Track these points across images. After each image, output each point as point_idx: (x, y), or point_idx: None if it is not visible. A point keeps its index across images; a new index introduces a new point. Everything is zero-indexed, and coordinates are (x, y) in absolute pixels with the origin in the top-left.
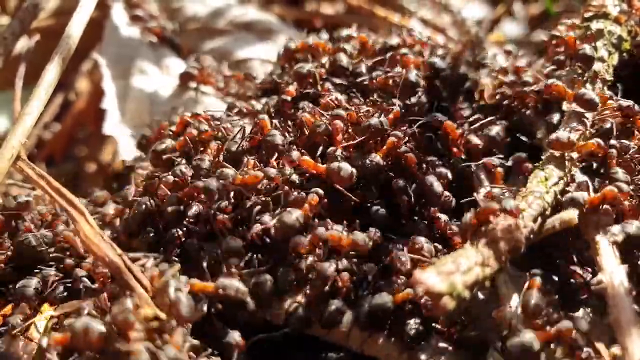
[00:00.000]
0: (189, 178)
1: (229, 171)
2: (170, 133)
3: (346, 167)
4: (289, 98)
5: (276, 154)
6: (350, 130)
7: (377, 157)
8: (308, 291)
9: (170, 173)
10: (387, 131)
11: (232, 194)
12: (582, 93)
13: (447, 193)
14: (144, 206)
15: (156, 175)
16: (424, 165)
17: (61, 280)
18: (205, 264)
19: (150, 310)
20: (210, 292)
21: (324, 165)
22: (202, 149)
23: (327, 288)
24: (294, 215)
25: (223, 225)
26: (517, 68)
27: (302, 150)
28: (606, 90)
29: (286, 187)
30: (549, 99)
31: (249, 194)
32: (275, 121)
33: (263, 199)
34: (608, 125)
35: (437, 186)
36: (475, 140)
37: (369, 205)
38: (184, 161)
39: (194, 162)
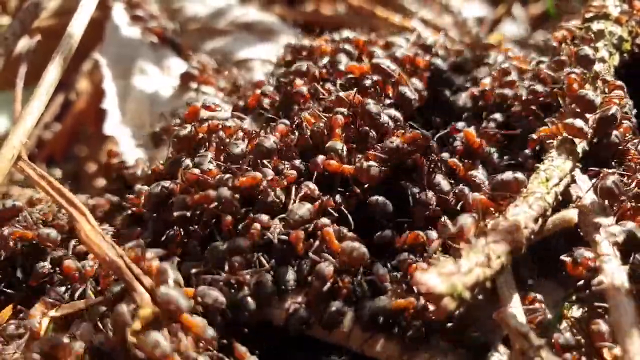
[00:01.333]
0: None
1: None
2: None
3: (374, 166)
4: (304, 89)
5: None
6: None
7: (397, 140)
8: (308, 292)
9: (193, 165)
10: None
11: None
12: (583, 94)
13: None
14: (159, 188)
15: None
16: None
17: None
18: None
19: (152, 310)
20: (190, 296)
21: (351, 166)
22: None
23: (326, 289)
24: (305, 207)
25: (228, 226)
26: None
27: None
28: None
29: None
30: (558, 94)
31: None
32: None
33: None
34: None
35: (445, 185)
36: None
37: (375, 199)
38: (209, 153)
39: (196, 158)
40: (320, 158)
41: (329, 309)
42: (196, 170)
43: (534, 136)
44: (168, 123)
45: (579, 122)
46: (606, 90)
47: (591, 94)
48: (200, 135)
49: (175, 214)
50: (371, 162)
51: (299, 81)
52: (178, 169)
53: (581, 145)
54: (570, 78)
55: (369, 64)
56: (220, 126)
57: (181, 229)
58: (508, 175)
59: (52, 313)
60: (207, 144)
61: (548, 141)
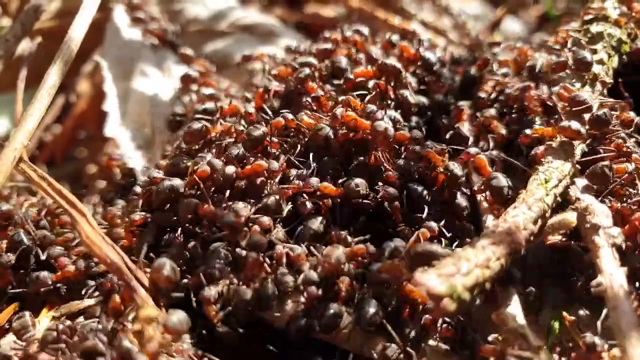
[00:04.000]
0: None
1: (231, 168)
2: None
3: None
4: (321, 93)
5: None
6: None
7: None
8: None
9: (204, 162)
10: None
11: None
12: (574, 95)
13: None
14: (170, 184)
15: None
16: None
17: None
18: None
19: (152, 310)
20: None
21: (368, 122)
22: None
23: (321, 292)
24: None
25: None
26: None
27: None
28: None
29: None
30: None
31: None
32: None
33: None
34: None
35: (463, 201)
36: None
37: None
38: (209, 155)
39: (197, 158)
40: (339, 111)
41: (327, 312)
42: (207, 168)
43: (528, 132)
44: (188, 108)
45: (575, 125)
46: (605, 92)
47: (584, 95)
48: (213, 134)
49: (182, 216)
50: (389, 125)
51: (313, 84)
52: (182, 166)
53: (580, 147)
54: (560, 93)
55: (376, 65)
56: (232, 129)
57: (184, 231)
58: (502, 182)
59: (52, 313)
60: (215, 144)
61: (547, 142)
